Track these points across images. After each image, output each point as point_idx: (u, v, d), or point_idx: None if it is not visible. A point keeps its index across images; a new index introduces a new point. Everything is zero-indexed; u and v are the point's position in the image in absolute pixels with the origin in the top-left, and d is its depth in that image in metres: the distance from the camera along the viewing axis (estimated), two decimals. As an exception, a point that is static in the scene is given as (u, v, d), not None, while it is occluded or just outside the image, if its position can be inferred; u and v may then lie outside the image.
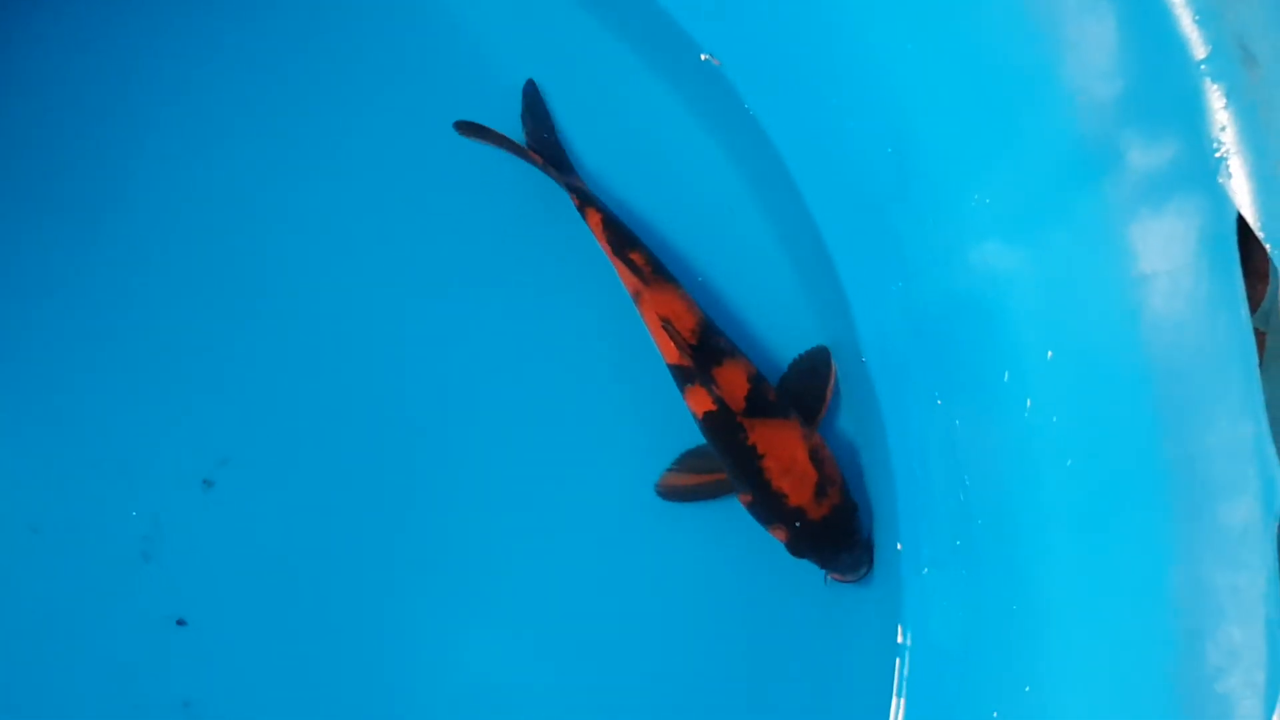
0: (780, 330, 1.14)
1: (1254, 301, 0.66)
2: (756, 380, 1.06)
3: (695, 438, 1.09)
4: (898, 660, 1.09)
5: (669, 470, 1.09)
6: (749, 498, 1.05)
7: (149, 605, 1.11)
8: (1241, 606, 0.65)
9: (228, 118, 1.17)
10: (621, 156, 1.16)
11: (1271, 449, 0.64)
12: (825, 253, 1.14)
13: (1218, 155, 0.65)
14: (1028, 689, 0.91)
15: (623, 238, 1.08)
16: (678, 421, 1.09)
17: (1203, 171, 0.67)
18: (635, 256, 1.08)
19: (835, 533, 1.05)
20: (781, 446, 1.04)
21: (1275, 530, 0.63)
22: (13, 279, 1.15)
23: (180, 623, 1.11)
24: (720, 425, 1.05)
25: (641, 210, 1.15)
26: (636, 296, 1.08)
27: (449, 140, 1.15)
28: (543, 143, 1.14)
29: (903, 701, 1.08)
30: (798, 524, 1.04)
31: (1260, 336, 0.67)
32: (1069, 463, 0.85)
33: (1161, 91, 0.68)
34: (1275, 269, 0.65)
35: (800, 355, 1.11)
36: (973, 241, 0.93)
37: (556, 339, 1.14)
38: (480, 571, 1.11)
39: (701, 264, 1.13)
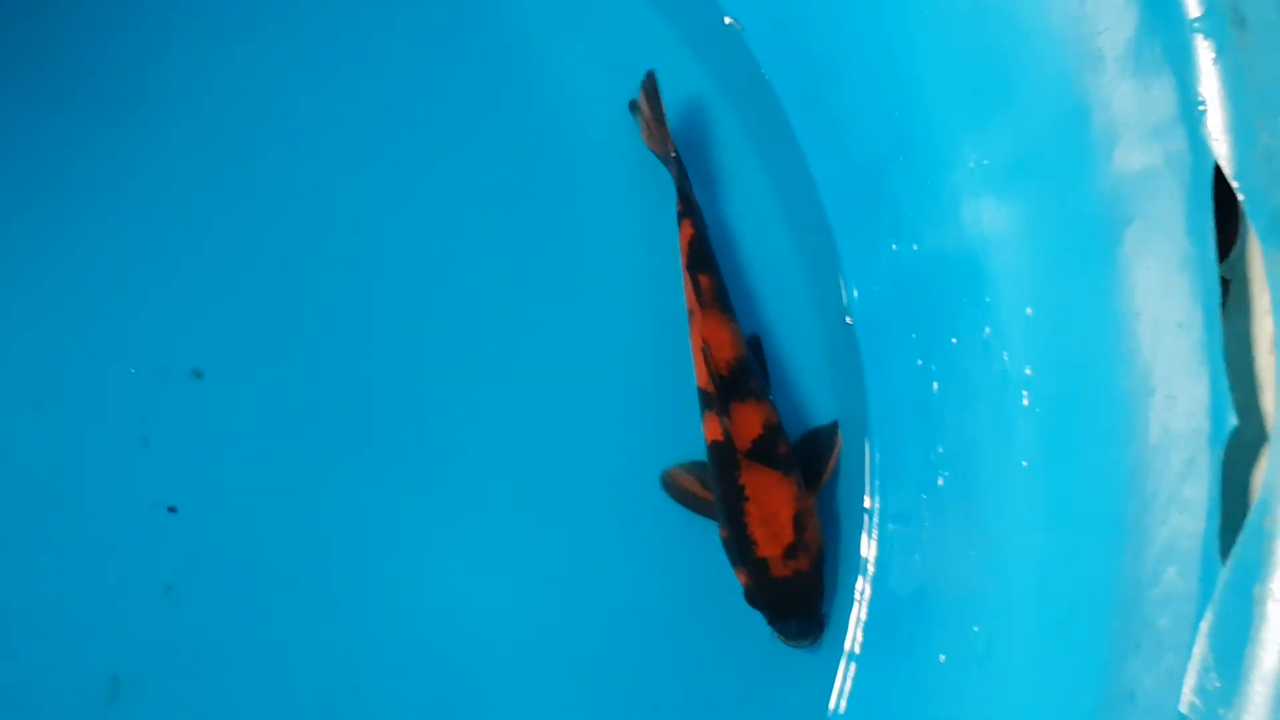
0: (769, 290, 1.19)
1: (1223, 251, 0.71)
2: (772, 430, 1.09)
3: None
4: (853, 612, 1.12)
5: (680, 467, 1.13)
6: (726, 534, 1.09)
7: (143, 490, 1.15)
8: (1186, 530, 0.70)
9: (251, 32, 1.22)
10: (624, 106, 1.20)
11: (1225, 385, 0.69)
12: (823, 216, 1.18)
13: (1200, 109, 0.70)
14: (976, 629, 0.95)
15: (701, 259, 1.12)
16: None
17: (1186, 125, 0.71)
18: (704, 279, 1.11)
19: (791, 597, 1.07)
20: (769, 497, 1.07)
21: (1221, 455, 0.68)
22: (25, 173, 1.19)
23: (171, 509, 1.15)
24: (721, 456, 1.08)
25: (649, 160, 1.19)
26: (690, 315, 1.12)
27: (469, 67, 1.21)
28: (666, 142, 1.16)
29: (856, 650, 1.11)
30: (757, 574, 1.07)
31: (1225, 284, 0.72)
32: (1037, 409, 0.90)
33: (1155, 47, 0.73)
34: (1244, 221, 0.70)
35: (812, 428, 1.14)
36: (967, 201, 0.96)
37: (589, 294, 1.18)
38: (461, 483, 1.16)
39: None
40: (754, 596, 1.08)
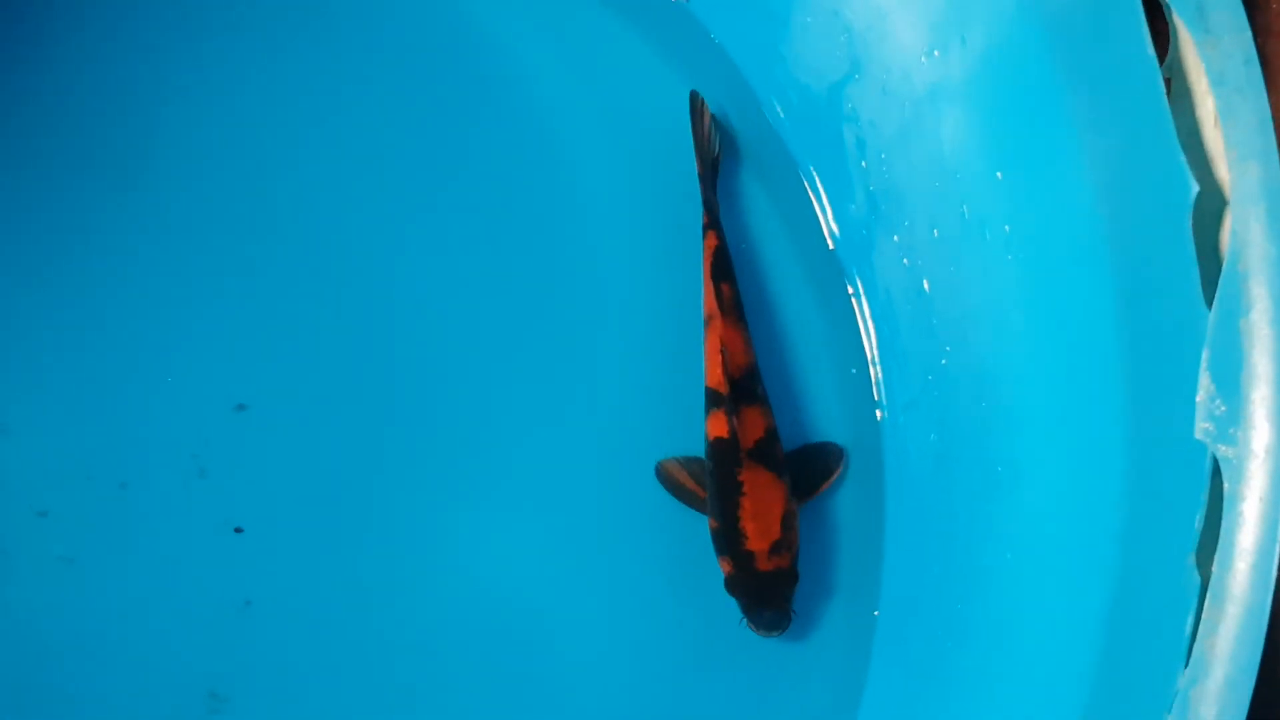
0: (747, 241, 1.25)
1: (1161, 56, 0.82)
2: (771, 434, 1.16)
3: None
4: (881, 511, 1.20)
5: (674, 460, 1.19)
6: (716, 525, 1.15)
7: (210, 515, 1.20)
8: (1174, 295, 0.80)
9: (252, 77, 1.27)
10: (581, 87, 1.27)
11: (1182, 160, 0.78)
12: (790, 159, 1.25)
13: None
14: (1000, 469, 1.03)
15: (724, 269, 1.18)
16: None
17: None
18: (725, 287, 1.17)
19: (768, 591, 1.12)
20: (763, 495, 1.13)
21: (1190, 221, 0.77)
22: (65, 234, 1.24)
23: (238, 530, 1.20)
24: (724, 452, 1.14)
25: (606, 133, 1.26)
26: (708, 320, 1.17)
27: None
28: (707, 157, 1.23)
29: (884, 538, 1.19)
30: (742, 564, 1.13)
31: (1167, 83, 0.82)
32: (1021, 258, 0.98)
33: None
34: (1172, 27, 0.80)
35: (820, 443, 1.20)
36: (927, 93, 1.04)
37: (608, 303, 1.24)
38: (493, 481, 1.21)
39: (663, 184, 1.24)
40: (735, 585, 1.13)
